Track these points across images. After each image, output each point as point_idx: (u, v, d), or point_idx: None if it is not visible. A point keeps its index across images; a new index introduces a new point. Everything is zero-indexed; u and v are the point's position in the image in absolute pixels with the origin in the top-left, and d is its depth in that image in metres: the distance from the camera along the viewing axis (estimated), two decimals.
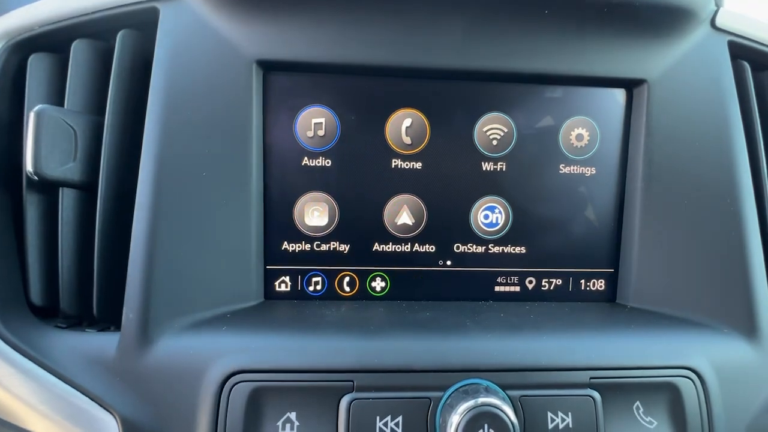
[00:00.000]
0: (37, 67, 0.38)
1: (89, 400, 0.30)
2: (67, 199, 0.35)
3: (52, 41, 0.38)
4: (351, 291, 0.42)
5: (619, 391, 0.33)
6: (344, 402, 0.31)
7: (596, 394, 0.32)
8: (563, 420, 0.31)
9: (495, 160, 0.42)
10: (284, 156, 0.40)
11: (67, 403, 0.30)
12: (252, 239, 0.39)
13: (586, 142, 0.43)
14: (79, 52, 0.38)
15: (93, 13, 0.37)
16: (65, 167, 0.35)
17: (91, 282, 0.34)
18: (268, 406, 0.31)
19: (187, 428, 0.30)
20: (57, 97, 0.38)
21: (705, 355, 0.34)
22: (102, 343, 0.33)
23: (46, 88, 0.38)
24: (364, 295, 0.42)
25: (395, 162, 0.42)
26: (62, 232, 0.35)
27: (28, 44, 0.38)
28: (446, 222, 0.43)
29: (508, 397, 0.31)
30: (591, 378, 0.33)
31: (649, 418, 0.33)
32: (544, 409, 0.31)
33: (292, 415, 0.31)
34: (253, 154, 0.38)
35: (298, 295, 0.42)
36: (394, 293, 0.43)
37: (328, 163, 0.41)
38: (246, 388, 0.31)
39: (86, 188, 0.36)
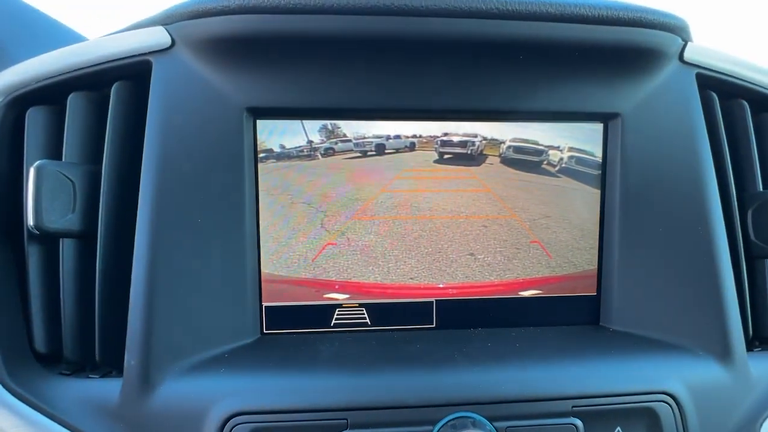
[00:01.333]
0: (34, 121, 0.39)
1: None
2: (67, 250, 0.37)
3: (48, 95, 0.40)
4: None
5: (600, 417, 0.34)
6: None
7: (579, 422, 0.34)
8: None
9: None
10: (276, 198, 0.42)
11: None
12: (247, 280, 0.40)
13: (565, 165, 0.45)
14: (75, 104, 0.39)
15: (89, 67, 0.39)
16: (65, 219, 0.36)
17: (92, 328, 0.36)
18: None
19: None
20: (55, 149, 0.39)
21: (681, 379, 0.36)
22: (105, 389, 0.34)
23: (44, 140, 0.39)
24: (353, 324, 0.44)
25: None
26: (63, 282, 0.36)
27: (25, 99, 0.39)
28: None
29: (495, 429, 0.33)
30: (573, 407, 0.34)
31: None
32: None
33: None
34: (246, 195, 0.40)
35: (292, 327, 0.43)
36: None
37: None
38: (245, 429, 0.32)
39: (85, 237, 0.38)
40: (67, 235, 0.36)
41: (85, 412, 0.33)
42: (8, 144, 0.39)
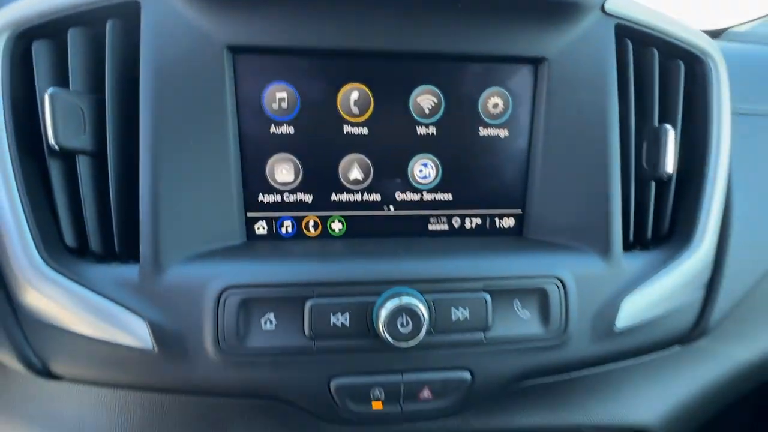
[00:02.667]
0: (41, 53, 0.45)
1: (122, 308, 0.42)
2: (83, 165, 0.45)
3: (50, 30, 0.45)
4: (315, 232, 0.54)
5: (503, 293, 0.46)
6: (307, 305, 0.43)
7: (487, 296, 0.45)
8: (462, 313, 0.45)
9: (427, 125, 0.52)
10: (255, 125, 0.50)
11: (106, 311, 0.42)
12: (233, 192, 0.49)
13: (501, 109, 0.53)
14: (75, 39, 0.45)
15: (83, 5, 0.44)
16: (78, 138, 0.44)
17: (111, 227, 0.45)
18: (253, 309, 0.43)
19: (197, 328, 0.43)
20: (61, 79, 0.46)
21: (569, 269, 0.48)
22: (126, 271, 0.44)
23: (51, 71, 0.45)
24: (326, 235, 0.54)
25: (346, 128, 0.51)
26: (83, 190, 0.44)
27: (30, 33, 0.45)
28: (389, 176, 0.53)
29: (424, 299, 0.44)
30: (484, 285, 0.46)
31: (524, 311, 0.47)
32: (449, 306, 0.45)
33: (271, 315, 0.43)
34: (228, 124, 0.47)
35: (272, 236, 0.53)
36: (350, 233, 0.54)
37: (291, 130, 0.50)
38: (236, 299, 0.43)
39: (97, 155, 0.45)
40: (81, 152, 0.44)
41: (111, 286, 0.43)
42: (20, 73, 0.45)
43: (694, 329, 0.52)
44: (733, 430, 1.28)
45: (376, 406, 0.46)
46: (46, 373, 0.44)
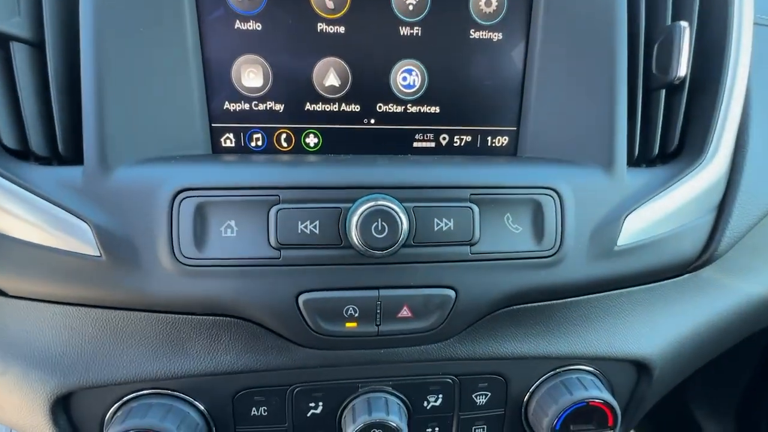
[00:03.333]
0: None
1: (65, 212, 0.38)
2: (19, 54, 0.39)
3: None
4: (288, 146, 0.49)
5: (493, 205, 0.42)
6: (273, 211, 0.39)
7: (474, 207, 0.41)
8: (446, 224, 0.40)
9: (411, 25, 0.47)
10: (217, 18, 0.44)
11: (48, 214, 0.38)
12: (194, 96, 0.44)
13: (495, 8, 0.48)
14: None
15: None
16: (11, 21, 0.38)
17: (53, 126, 0.40)
18: (211, 216, 0.39)
19: (150, 234, 0.38)
20: None
21: (566, 181, 0.43)
22: (70, 173, 0.39)
23: None
24: (299, 150, 0.49)
25: (320, 26, 0.46)
26: (19, 82, 0.39)
27: None
28: (369, 84, 0.48)
29: (404, 206, 0.39)
30: (471, 194, 0.41)
31: (516, 226, 0.42)
32: (431, 216, 0.40)
33: (232, 222, 0.39)
34: (186, 14, 0.42)
35: (241, 149, 0.48)
36: (326, 149, 0.49)
37: (258, 26, 0.45)
38: (192, 202, 0.38)
39: (36, 45, 0.40)
40: (16, 39, 0.39)
41: (54, 188, 0.38)
42: None
43: (700, 255, 0.48)
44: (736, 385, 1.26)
45: (350, 325, 0.42)
46: None
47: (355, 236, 0.37)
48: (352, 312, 0.40)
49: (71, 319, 0.42)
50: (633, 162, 0.47)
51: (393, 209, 0.37)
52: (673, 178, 0.45)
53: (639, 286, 0.49)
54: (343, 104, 0.49)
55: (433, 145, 0.51)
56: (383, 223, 0.37)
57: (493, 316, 0.45)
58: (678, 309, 0.50)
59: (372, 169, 0.41)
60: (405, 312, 0.41)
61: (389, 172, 0.40)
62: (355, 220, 0.37)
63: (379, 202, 0.37)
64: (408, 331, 0.42)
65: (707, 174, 0.46)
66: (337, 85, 0.48)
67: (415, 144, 0.51)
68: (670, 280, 0.50)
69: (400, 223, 0.37)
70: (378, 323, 0.41)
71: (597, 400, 0.45)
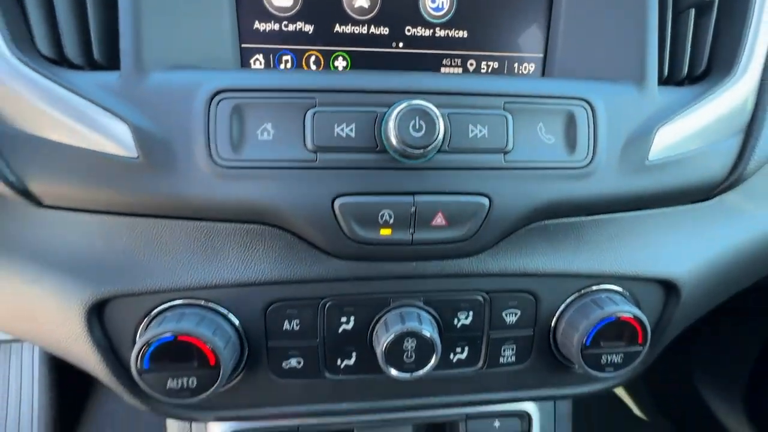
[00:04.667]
0: None
1: (104, 112, 0.38)
2: None
3: None
4: (317, 68, 0.49)
5: (526, 114, 0.42)
6: (309, 114, 0.39)
7: (509, 115, 0.41)
8: (480, 131, 0.40)
9: None
10: None
11: (87, 115, 0.38)
12: (225, 13, 0.44)
13: None
14: None
15: None
16: None
17: (87, 32, 0.40)
18: (248, 118, 0.39)
19: (186, 135, 0.38)
20: None
21: (599, 94, 0.43)
22: (106, 77, 0.39)
23: None
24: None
25: None
26: None
27: None
28: (398, 5, 0.48)
29: (439, 112, 0.39)
30: (505, 103, 0.41)
31: (549, 136, 0.42)
32: (466, 122, 0.40)
33: (268, 125, 0.39)
34: None
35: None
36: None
37: None
38: (229, 104, 0.38)
39: None
40: None
41: (91, 89, 0.38)
42: None
43: (728, 176, 0.48)
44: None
45: (385, 232, 0.42)
46: (25, 192, 0.40)
47: (392, 135, 0.37)
48: (387, 218, 0.41)
49: (106, 228, 0.42)
50: (662, 81, 0.47)
51: (431, 108, 0.37)
52: (701, 96, 0.45)
53: (668, 207, 0.49)
54: (372, 26, 0.49)
55: (460, 70, 0.51)
56: (421, 121, 0.37)
57: (525, 230, 0.45)
58: (706, 233, 0.51)
59: (408, 77, 0.41)
60: (439, 219, 0.41)
61: (424, 80, 0.41)
62: (393, 119, 0.37)
63: (418, 101, 0.37)
64: (442, 240, 0.42)
65: (735, 93, 0.46)
66: (367, 6, 0.48)
67: (443, 69, 0.51)
68: (698, 204, 0.50)
69: (437, 121, 0.37)
70: (412, 231, 0.41)
71: (627, 315, 0.45)
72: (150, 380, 0.41)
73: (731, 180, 0.48)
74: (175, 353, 0.41)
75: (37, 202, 0.41)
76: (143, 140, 0.38)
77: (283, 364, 0.46)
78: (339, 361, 0.47)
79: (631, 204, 0.46)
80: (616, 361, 0.47)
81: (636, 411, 1.72)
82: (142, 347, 0.40)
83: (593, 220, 0.47)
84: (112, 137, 0.38)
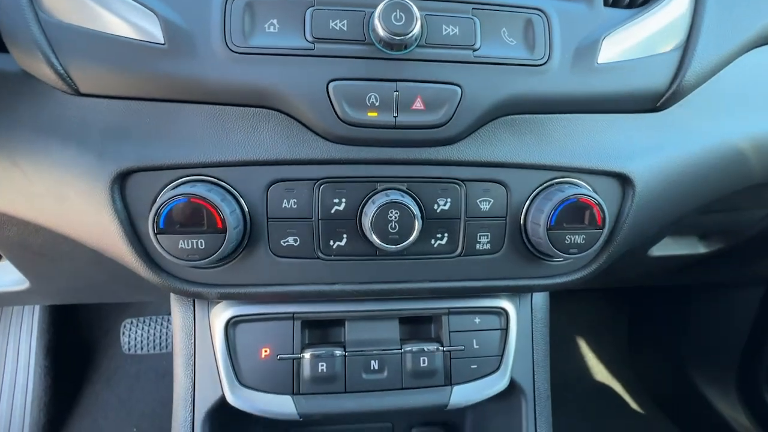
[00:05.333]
0: None
1: (137, 4, 0.45)
2: None
3: None
4: None
5: (492, 18, 0.50)
6: (309, 11, 0.47)
7: (476, 18, 0.49)
8: (453, 30, 0.48)
9: None
10: None
11: (122, 7, 0.45)
12: None
13: None
14: None
15: None
16: None
17: None
18: (258, 13, 0.47)
19: (206, 26, 0.46)
20: None
21: (554, 7, 0.51)
22: None
23: None
24: None
25: None
26: None
27: None
28: None
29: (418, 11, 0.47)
30: (473, 8, 0.49)
31: (511, 39, 0.50)
32: (440, 23, 0.48)
33: (275, 21, 0.47)
34: None
35: None
36: None
37: None
38: (242, 1, 0.46)
39: None
40: None
41: None
42: None
43: (670, 86, 0.55)
44: None
45: (372, 114, 0.48)
46: (67, 79, 0.47)
47: (378, 27, 0.45)
48: (374, 100, 0.47)
49: (132, 112, 0.48)
50: (609, 5, 0.55)
51: (409, 3, 0.45)
52: (641, 12, 0.54)
53: (620, 114, 0.56)
54: None
55: None
56: (401, 13, 0.45)
57: (494, 124, 0.52)
58: (655, 139, 0.57)
59: None
60: (418, 104, 0.48)
61: None
62: (378, 13, 0.45)
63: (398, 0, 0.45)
64: (421, 123, 0.49)
65: (671, 11, 0.54)
66: None
67: None
68: (647, 114, 0.57)
69: (414, 14, 0.45)
70: (395, 114, 0.48)
71: (586, 197, 0.51)
72: (164, 241, 0.47)
73: (673, 89, 0.55)
74: (188, 216, 0.47)
75: (75, 89, 0.48)
76: (170, 30, 0.46)
77: (282, 242, 0.52)
78: (332, 242, 0.52)
79: (585, 104, 0.54)
80: (579, 241, 0.52)
81: (632, 405, 1.72)
82: (160, 207, 0.46)
83: (553, 117, 0.54)
84: (143, 27, 0.46)
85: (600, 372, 1.75)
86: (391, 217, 0.50)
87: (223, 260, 0.52)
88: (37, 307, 1.57)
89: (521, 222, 0.55)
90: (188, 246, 0.47)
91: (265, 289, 0.54)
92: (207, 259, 0.48)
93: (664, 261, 1.04)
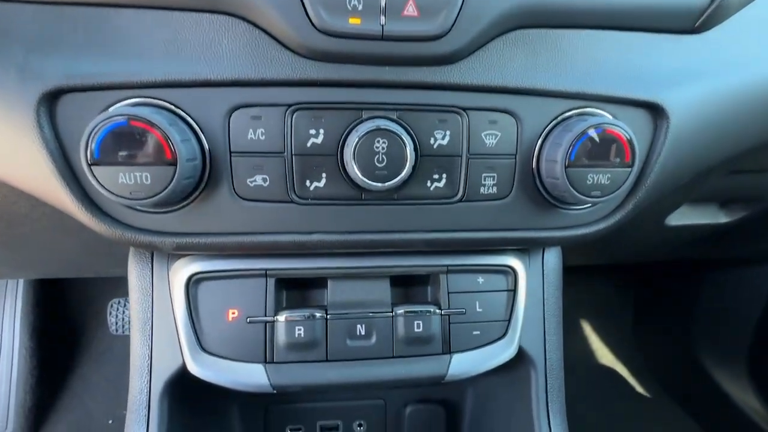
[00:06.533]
0: None
1: None
2: None
3: None
4: None
5: None
6: None
7: None
8: None
9: None
10: None
11: None
12: None
13: None
14: None
15: None
16: None
17: None
18: None
19: None
20: None
21: None
22: None
23: None
24: None
25: None
26: None
27: None
28: None
29: None
30: None
31: None
32: None
33: None
34: None
35: None
36: None
37: None
38: None
39: None
40: None
41: None
42: None
43: (711, 3, 0.46)
44: None
45: (354, 20, 0.40)
46: None
47: None
48: (356, 3, 0.39)
49: (62, 19, 0.40)
50: None
51: None
52: None
53: (653, 33, 0.47)
54: None
55: None
56: None
57: (504, 40, 0.43)
58: (693, 66, 0.48)
59: None
60: (411, 8, 0.39)
61: None
62: None
63: None
64: (414, 34, 0.40)
65: None
66: None
67: None
68: (684, 36, 0.48)
69: None
70: (383, 22, 0.39)
71: (614, 128, 0.43)
72: (101, 174, 0.38)
73: (716, 5, 0.46)
74: (129, 143, 0.38)
75: None
76: None
77: (248, 182, 0.43)
78: (308, 183, 0.44)
79: (613, 17, 0.45)
80: (603, 182, 0.44)
81: (638, 388, 1.66)
82: (93, 131, 0.37)
83: (574, 34, 0.45)
84: None
85: (605, 355, 1.70)
86: (378, 147, 0.41)
87: (176, 202, 0.43)
88: (21, 288, 1.51)
89: (534, 161, 0.47)
90: (130, 181, 0.39)
91: (229, 239, 0.45)
92: (154, 198, 0.39)
93: (682, 231, 0.97)
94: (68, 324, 1.56)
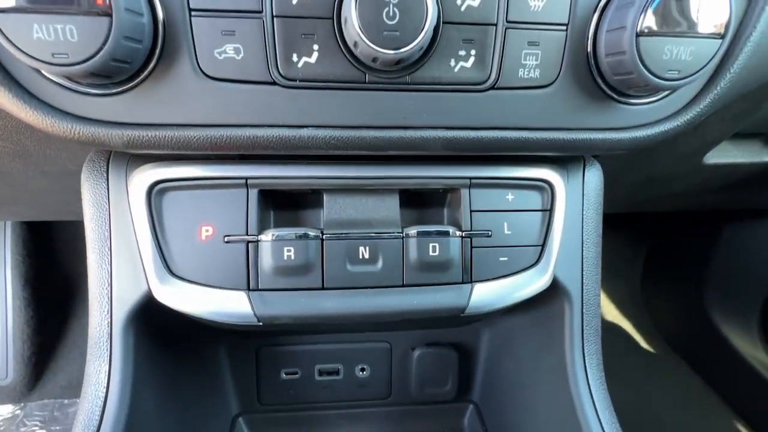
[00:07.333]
0: None
1: None
2: None
3: None
4: None
5: None
6: None
7: None
8: None
9: None
10: None
11: None
12: None
13: None
14: None
15: None
16: None
17: None
18: None
19: None
20: None
21: None
22: None
23: None
24: None
25: None
26: None
27: None
28: None
29: None
30: None
31: None
32: None
33: None
34: None
35: None
36: None
37: None
38: None
39: None
40: None
41: None
42: None
43: None
44: None
45: None
46: None
47: None
48: None
49: None
50: None
51: None
52: None
53: None
54: None
55: None
56: None
57: None
58: None
59: None
60: None
61: None
62: None
63: None
64: None
65: None
66: None
67: None
68: None
69: None
70: None
71: None
72: (8, 25, 0.28)
73: None
74: None
75: None
76: None
77: (216, 53, 0.33)
78: (295, 57, 0.34)
79: None
80: (684, 56, 0.33)
81: (643, 344, 1.63)
82: None
83: None
84: None
85: (610, 311, 1.66)
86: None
87: (122, 78, 0.33)
88: (9, 239, 1.47)
89: (590, 34, 0.36)
90: (49, 36, 0.29)
91: (195, 132, 0.35)
92: (86, 65, 0.29)
93: (720, 171, 0.88)
94: (62, 271, 1.52)
